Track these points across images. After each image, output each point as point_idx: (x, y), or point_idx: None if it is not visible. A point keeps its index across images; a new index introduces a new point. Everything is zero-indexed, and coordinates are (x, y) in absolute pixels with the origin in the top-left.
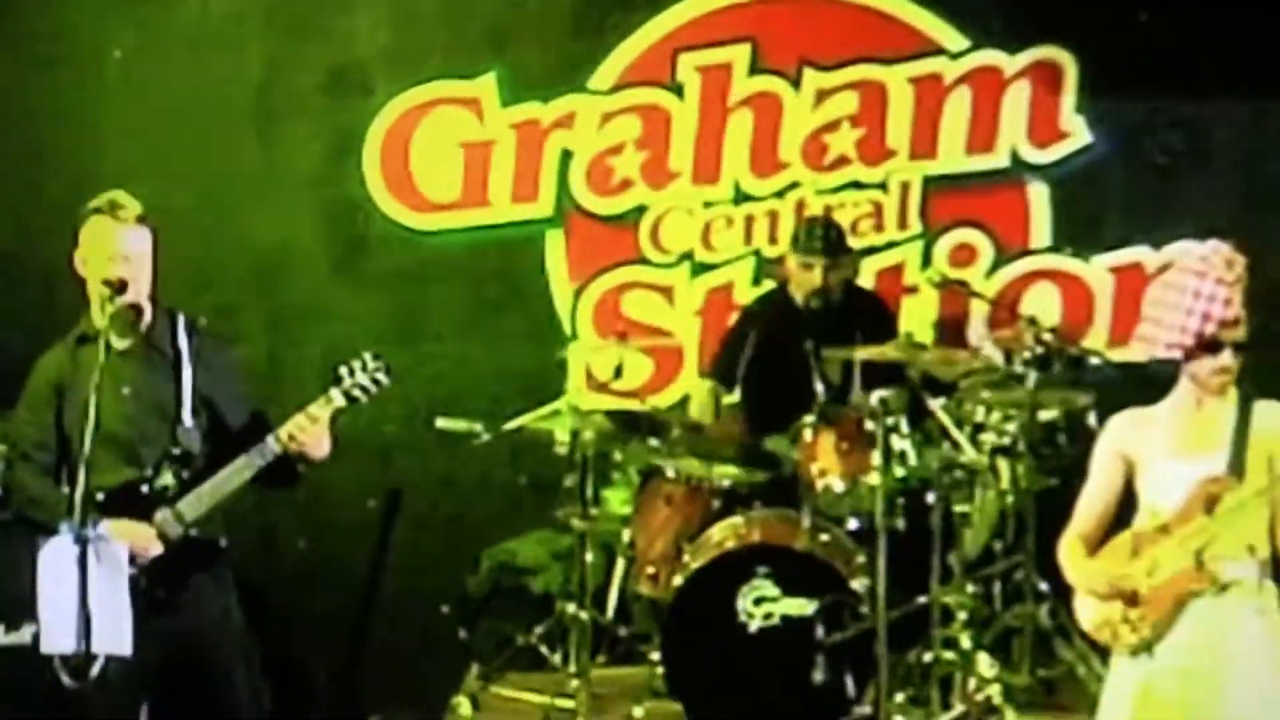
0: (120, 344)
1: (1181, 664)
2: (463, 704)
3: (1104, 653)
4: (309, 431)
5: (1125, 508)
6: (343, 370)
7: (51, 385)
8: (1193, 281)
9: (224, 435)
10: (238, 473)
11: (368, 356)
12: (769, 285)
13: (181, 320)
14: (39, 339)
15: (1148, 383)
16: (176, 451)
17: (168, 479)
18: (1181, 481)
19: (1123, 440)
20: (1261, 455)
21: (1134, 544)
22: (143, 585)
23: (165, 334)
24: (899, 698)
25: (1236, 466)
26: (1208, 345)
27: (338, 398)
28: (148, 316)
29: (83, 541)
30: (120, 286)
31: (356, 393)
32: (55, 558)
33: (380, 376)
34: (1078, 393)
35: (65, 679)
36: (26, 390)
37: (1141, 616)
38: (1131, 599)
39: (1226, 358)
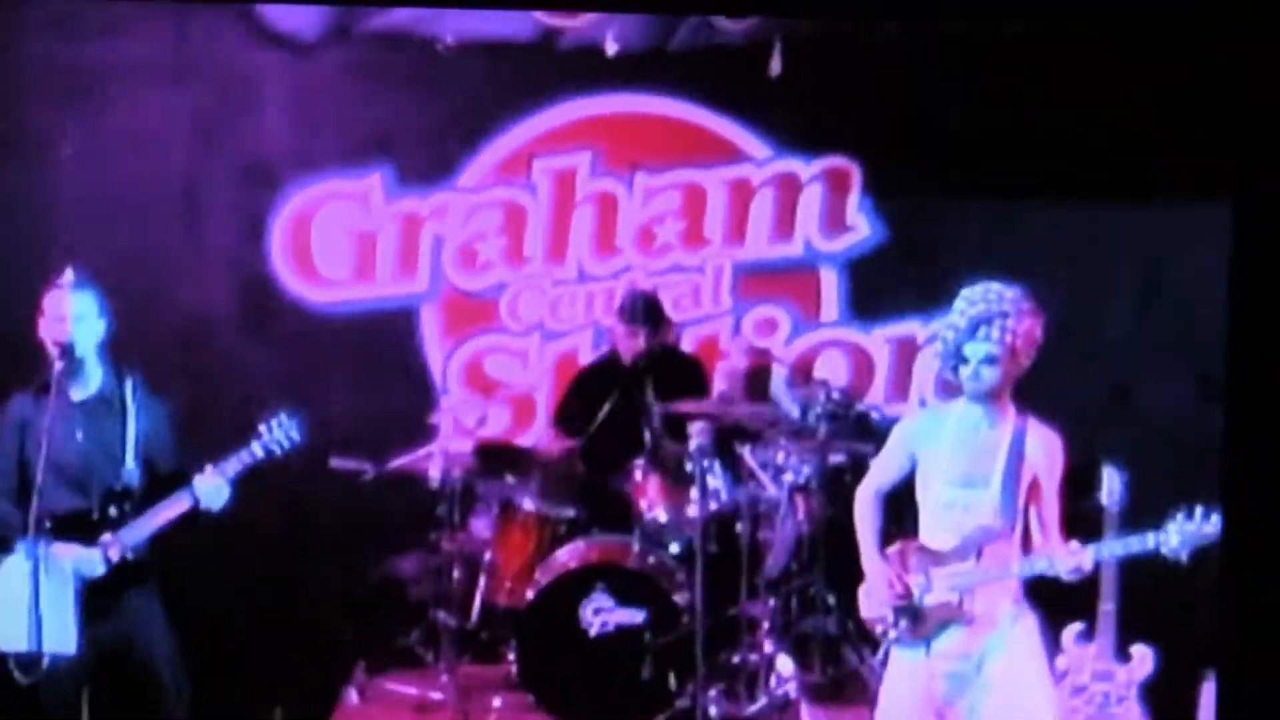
0: (77, 395)
1: (948, 668)
2: (351, 695)
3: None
4: (217, 485)
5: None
6: (262, 428)
7: (16, 424)
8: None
9: (156, 477)
10: (168, 508)
11: (284, 416)
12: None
13: (130, 381)
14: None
15: None
16: (119, 489)
17: (111, 511)
18: (955, 510)
19: (914, 441)
20: (1026, 476)
21: (912, 559)
22: (86, 596)
23: (115, 391)
24: (713, 692)
25: (1007, 514)
26: (959, 356)
27: (258, 450)
28: (100, 374)
29: (35, 558)
30: (67, 348)
31: (274, 448)
32: (12, 571)
33: (293, 434)
34: (860, 441)
35: (16, 674)
36: None
37: (907, 628)
38: (901, 609)
39: (971, 368)
